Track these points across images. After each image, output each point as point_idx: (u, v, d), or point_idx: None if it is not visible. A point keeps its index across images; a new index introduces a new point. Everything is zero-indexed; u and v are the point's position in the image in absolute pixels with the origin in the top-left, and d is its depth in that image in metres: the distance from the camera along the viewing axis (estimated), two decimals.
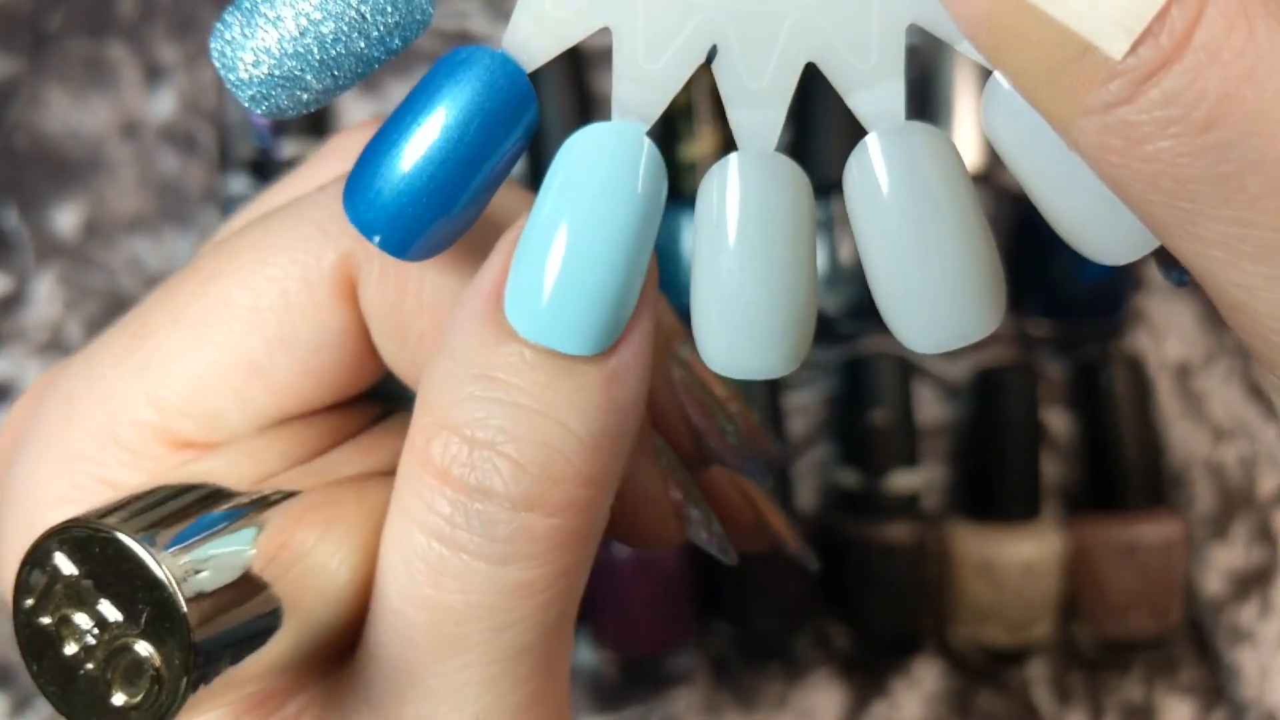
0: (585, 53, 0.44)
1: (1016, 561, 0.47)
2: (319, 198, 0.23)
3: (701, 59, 0.20)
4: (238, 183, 0.46)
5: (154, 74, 0.46)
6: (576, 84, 0.43)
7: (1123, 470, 0.48)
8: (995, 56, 0.17)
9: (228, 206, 0.46)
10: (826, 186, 0.38)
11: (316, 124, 0.46)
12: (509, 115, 0.20)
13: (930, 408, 0.50)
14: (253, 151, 0.46)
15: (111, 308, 0.46)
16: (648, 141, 0.20)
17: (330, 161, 0.26)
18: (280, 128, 0.45)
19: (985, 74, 0.20)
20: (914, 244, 0.20)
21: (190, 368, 0.23)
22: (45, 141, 0.46)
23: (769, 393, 0.47)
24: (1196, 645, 0.51)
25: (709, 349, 0.20)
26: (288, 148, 0.45)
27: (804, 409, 0.49)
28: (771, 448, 0.27)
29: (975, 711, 0.50)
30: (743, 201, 0.20)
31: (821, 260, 0.46)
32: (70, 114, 0.46)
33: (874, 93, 0.20)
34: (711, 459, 0.26)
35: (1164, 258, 0.20)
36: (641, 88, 0.20)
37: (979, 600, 0.48)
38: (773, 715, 0.49)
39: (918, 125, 0.20)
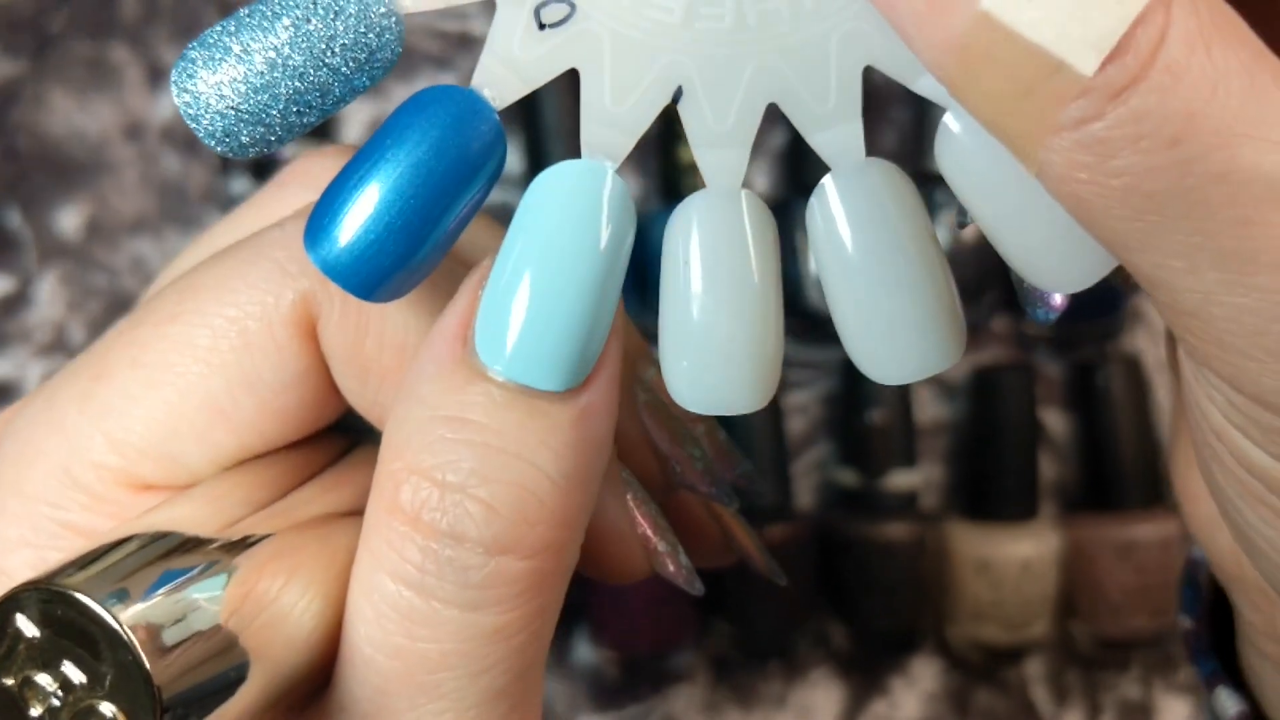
0: None
1: (1014, 560, 0.47)
2: (277, 235, 0.23)
3: (667, 101, 0.20)
4: (239, 183, 0.47)
5: (156, 75, 0.47)
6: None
7: (1120, 469, 0.49)
8: (963, 81, 0.17)
9: (229, 207, 0.46)
10: None
11: (320, 127, 0.46)
12: (478, 154, 0.20)
13: (928, 407, 0.50)
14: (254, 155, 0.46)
15: (114, 308, 0.46)
16: (615, 179, 0.20)
17: (287, 192, 0.26)
18: None
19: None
20: (874, 279, 0.20)
21: (150, 410, 0.22)
22: (48, 142, 0.46)
23: None
24: None
25: (678, 386, 0.21)
26: (289, 149, 0.46)
27: (803, 409, 0.49)
28: (739, 467, 0.27)
29: (973, 710, 0.50)
30: (709, 240, 0.20)
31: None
32: (73, 115, 0.46)
33: (833, 133, 0.20)
34: (679, 484, 0.26)
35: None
36: (609, 129, 0.20)
37: (977, 599, 0.48)
38: (772, 714, 0.49)
39: (876, 163, 0.20)
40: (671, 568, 0.25)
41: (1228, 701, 0.25)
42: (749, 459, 0.47)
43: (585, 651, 0.49)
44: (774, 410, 0.47)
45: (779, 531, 0.46)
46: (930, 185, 0.48)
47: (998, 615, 0.48)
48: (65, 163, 0.46)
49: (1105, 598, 0.48)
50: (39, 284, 0.46)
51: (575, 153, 0.21)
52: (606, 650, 0.48)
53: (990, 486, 0.48)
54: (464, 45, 0.47)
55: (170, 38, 0.47)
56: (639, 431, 0.26)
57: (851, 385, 0.48)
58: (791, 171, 0.48)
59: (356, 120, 0.47)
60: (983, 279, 0.46)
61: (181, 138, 0.47)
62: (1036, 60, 0.16)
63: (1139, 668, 0.51)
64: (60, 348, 0.46)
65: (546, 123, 0.45)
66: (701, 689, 0.49)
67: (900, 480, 0.47)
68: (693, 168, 0.46)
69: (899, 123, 0.49)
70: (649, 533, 0.25)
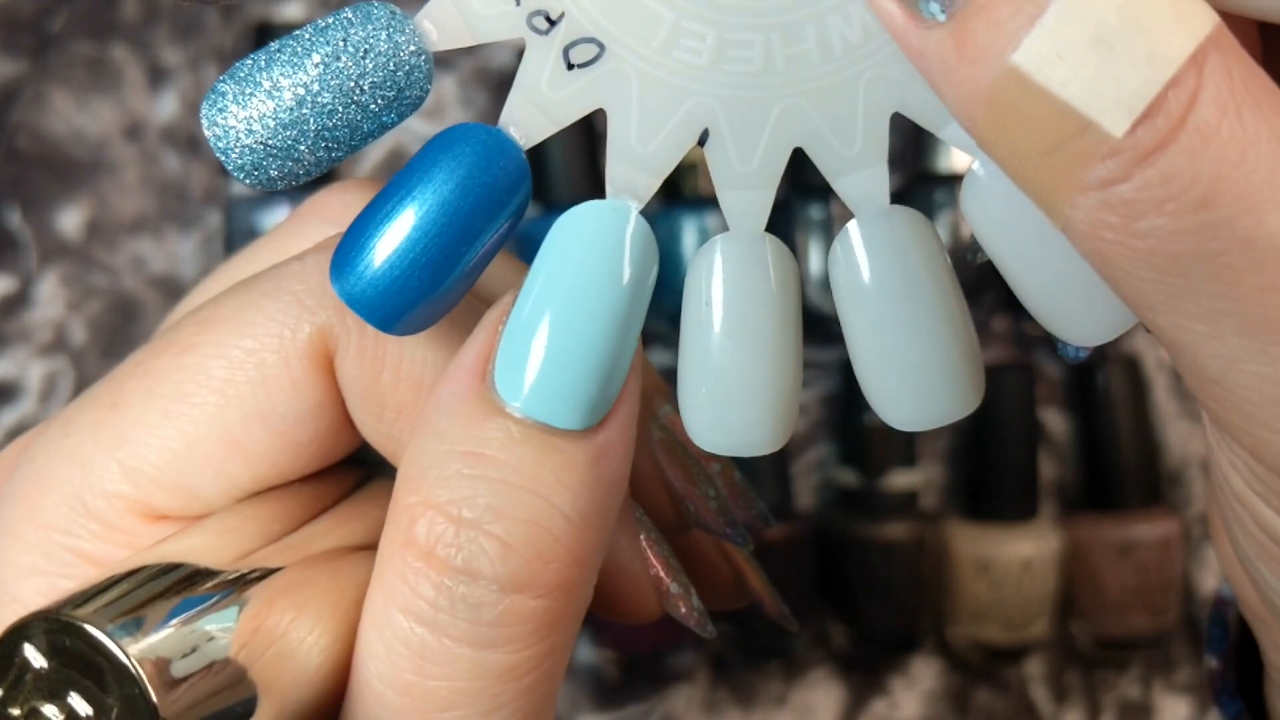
0: None
1: (1014, 560, 0.47)
2: (296, 268, 0.23)
3: (693, 142, 0.20)
4: (240, 184, 0.47)
5: (157, 76, 0.47)
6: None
7: (1120, 469, 0.49)
8: (991, 133, 0.17)
9: (230, 208, 0.46)
10: (826, 188, 0.38)
11: None
12: (503, 192, 0.20)
13: None
14: None
15: (114, 308, 0.46)
16: (639, 220, 0.20)
17: (306, 225, 0.26)
18: None
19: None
20: (896, 326, 0.20)
21: (165, 440, 0.22)
22: (48, 142, 0.46)
23: None
24: (1194, 644, 0.51)
25: (695, 425, 0.21)
26: None
27: (803, 408, 0.50)
28: (754, 507, 0.27)
29: (973, 710, 0.50)
30: (731, 283, 0.20)
31: (816, 262, 0.46)
32: (73, 115, 0.46)
33: (858, 178, 0.20)
34: (692, 524, 0.26)
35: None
36: (634, 169, 0.20)
37: (977, 599, 0.48)
38: (772, 713, 0.49)
39: (900, 209, 0.20)
40: (683, 609, 0.25)
41: None
42: (749, 461, 0.47)
43: (585, 651, 0.49)
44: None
45: (779, 531, 0.46)
46: (929, 186, 0.48)
47: (998, 615, 0.48)
48: (65, 163, 0.46)
49: (1105, 598, 0.48)
50: (39, 284, 0.46)
51: (581, 187, 0.21)
52: (606, 650, 0.48)
53: (990, 486, 0.48)
54: (468, 49, 0.47)
55: (170, 38, 0.47)
56: (653, 470, 0.25)
57: (851, 385, 0.48)
58: (792, 171, 0.48)
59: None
60: (983, 279, 0.46)
61: (182, 138, 0.47)
62: (1065, 118, 0.16)
63: (1139, 667, 0.51)
64: (60, 348, 0.46)
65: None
66: (701, 689, 0.49)
67: (900, 480, 0.48)
68: (693, 168, 0.46)
69: (900, 123, 0.49)
70: (661, 574, 0.25)
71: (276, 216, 0.45)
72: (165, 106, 0.47)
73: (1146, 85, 0.16)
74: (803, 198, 0.46)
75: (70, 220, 0.46)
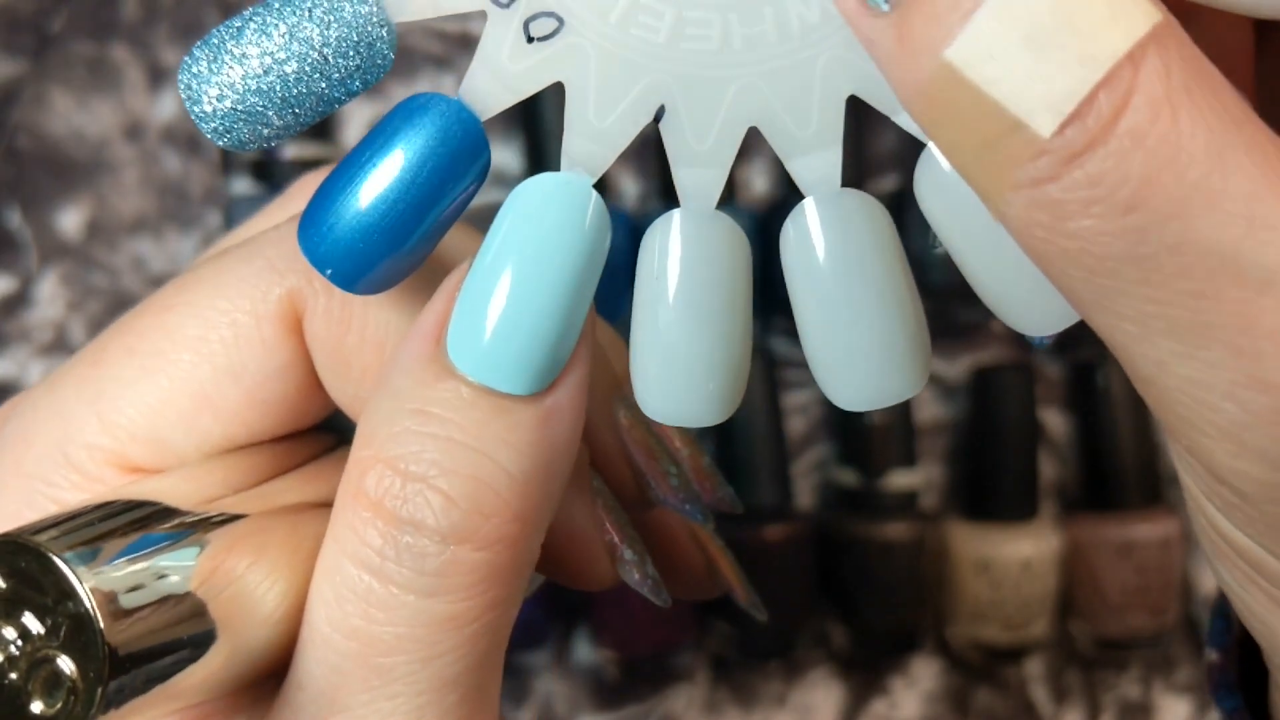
0: None
1: (1014, 560, 0.47)
2: (272, 235, 0.24)
3: (649, 118, 0.20)
4: (240, 184, 0.47)
5: (157, 76, 0.47)
6: None
7: (1120, 469, 0.49)
8: (929, 128, 0.17)
9: (230, 208, 0.46)
10: None
11: (320, 127, 0.46)
12: (462, 161, 0.20)
13: (928, 407, 0.50)
14: (255, 153, 0.46)
15: (114, 308, 0.46)
16: (593, 193, 0.20)
17: (292, 203, 0.27)
18: None
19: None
20: (844, 306, 0.20)
21: (142, 395, 0.23)
22: (49, 142, 0.46)
23: (769, 399, 0.47)
24: (1193, 644, 0.51)
25: (646, 396, 0.21)
26: (290, 149, 0.46)
27: (803, 409, 0.50)
28: (719, 490, 0.27)
29: (973, 710, 0.50)
30: (683, 258, 0.20)
31: None
32: (74, 115, 0.46)
33: (811, 160, 0.21)
34: (655, 500, 0.27)
35: None
36: (591, 142, 0.20)
37: (977, 599, 0.48)
38: (772, 713, 0.50)
39: (852, 192, 0.21)
40: (637, 576, 0.26)
41: None
42: (749, 460, 0.47)
43: (585, 651, 0.49)
44: (774, 410, 0.47)
45: (779, 531, 0.46)
46: None
47: (998, 615, 0.48)
48: (65, 163, 0.46)
49: (1105, 597, 0.48)
50: (39, 284, 0.46)
51: None
52: (606, 650, 0.48)
53: (990, 486, 0.48)
54: (465, 46, 0.47)
55: (170, 38, 0.47)
56: (618, 448, 0.26)
57: None
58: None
59: (357, 121, 0.47)
60: None
61: (182, 138, 0.47)
62: (996, 116, 0.16)
63: (1139, 667, 0.51)
64: (60, 348, 0.46)
65: (546, 125, 0.45)
66: (701, 689, 0.49)
67: (900, 480, 0.48)
68: None
69: (894, 128, 0.49)
70: (616, 540, 0.25)
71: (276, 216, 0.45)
72: (165, 106, 0.47)
73: (1076, 86, 0.16)
74: (800, 198, 0.46)
75: (70, 220, 0.46)
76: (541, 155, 0.45)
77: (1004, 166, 0.16)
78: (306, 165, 0.44)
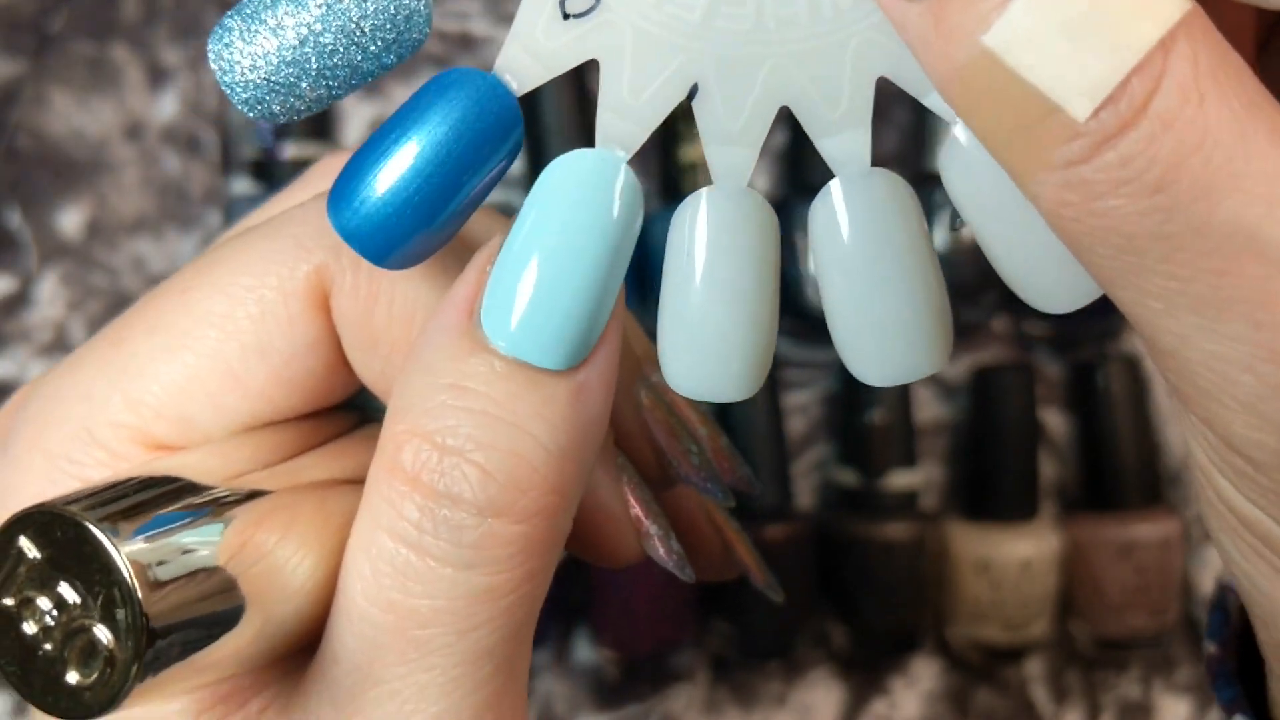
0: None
1: (1014, 560, 0.47)
2: (296, 213, 0.24)
3: (683, 96, 0.21)
4: (240, 184, 0.47)
5: (157, 76, 0.47)
6: (578, 85, 0.44)
7: (1120, 469, 0.49)
8: (964, 111, 0.18)
9: (230, 208, 0.46)
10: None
11: (319, 127, 0.47)
12: (495, 136, 0.20)
13: (928, 407, 0.50)
14: (255, 153, 0.46)
15: (114, 308, 0.46)
16: (626, 170, 0.21)
17: (310, 185, 0.27)
18: (283, 130, 0.46)
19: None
20: (870, 284, 0.21)
21: (167, 372, 0.23)
22: (49, 142, 0.46)
23: (769, 399, 0.47)
24: (1193, 644, 0.51)
25: (672, 370, 0.21)
26: (290, 149, 0.46)
27: (803, 408, 0.50)
28: (739, 470, 0.28)
29: (973, 710, 0.50)
30: (713, 235, 0.21)
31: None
32: (74, 115, 0.46)
33: (841, 139, 0.21)
34: (675, 478, 0.27)
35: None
36: (624, 120, 0.21)
37: (977, 599, 0.48)
38: (772, 713, 0.50)
39: (880, 172, 0.21)
40: (662, 551, 0.26)
41: None
42: (749, 460, 0.47)
43: (585, 651, 0.49)
44: (774, 410, 0.47)
45: (779, 531, 0.46)
46: (929, 186, 0.48)
47: (998, 615, 0.48)
48: (65, 163, 0.46)
49: (1105, 598, 0.48)
50: (39, 284, 0.46)
51: (575, 144, 0.21)
52: (606, 650, 0.48)
53: (990, 486, 0.48)
54: (464, 46, 0.47)
55: (170, 38, 0.47)
56: (640, 429, 0.26)
57: (851, 385, 0.48)
58: (792, 171, 0.48)
59: (357, 121, 0.47)
60: (983, 279, 0.46)
61: (182, 138, 0.47)
62: (1033, 100, 0.17)
63: (1139, 667, 0.51)
64: (60, 348, 0.46)
65: (547, 123, 0.45)
66: (701, 689, 0.49)
67: (900, 480, 0.48)
68: (693, 168, 0.46)
69: (900, 124, 0.49)
70: (641, 515, 0.26)
71: None
72: (165, 106, 0.47)
73: (1110, 73, 0.16)
74: (802, 197, 0.46)
75: (70, 220, 0.46)
76: (542, 155, 0.45)
77: (1039, 148, 0.17)
78: (306, 165, 0.44)
